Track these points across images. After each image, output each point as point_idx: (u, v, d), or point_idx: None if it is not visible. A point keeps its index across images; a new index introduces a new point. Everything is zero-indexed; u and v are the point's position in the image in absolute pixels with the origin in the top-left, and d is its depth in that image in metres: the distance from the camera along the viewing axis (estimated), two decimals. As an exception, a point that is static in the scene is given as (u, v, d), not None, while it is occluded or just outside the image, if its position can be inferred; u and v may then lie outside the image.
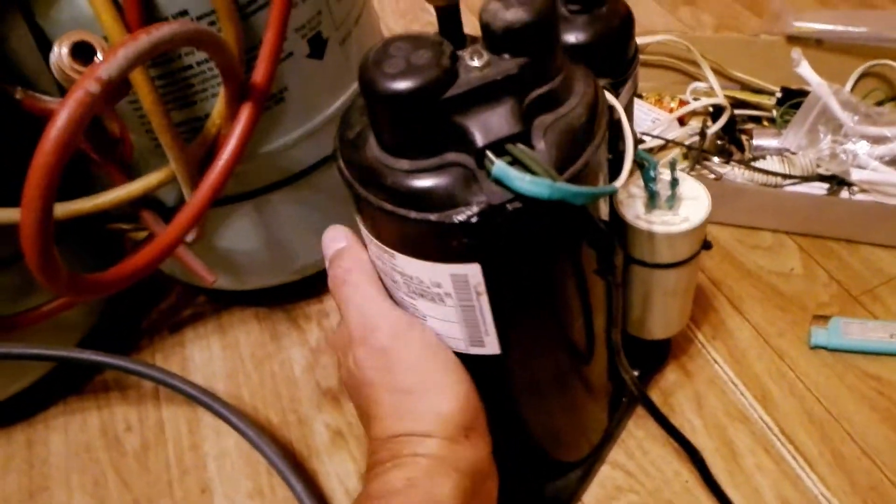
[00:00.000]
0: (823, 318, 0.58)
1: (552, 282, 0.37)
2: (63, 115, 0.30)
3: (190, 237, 0.56)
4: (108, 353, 0.63)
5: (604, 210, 0.40)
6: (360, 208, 0.36)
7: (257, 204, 0.60)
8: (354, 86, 0.59)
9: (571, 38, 0.40)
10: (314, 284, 0.73)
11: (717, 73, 0.76)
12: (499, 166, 0.31)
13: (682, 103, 0.76)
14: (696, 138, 0.70)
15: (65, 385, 0.71)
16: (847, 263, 0.63)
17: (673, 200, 0.46)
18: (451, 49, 0.31)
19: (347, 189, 0.36)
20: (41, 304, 0.60)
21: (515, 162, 0.31)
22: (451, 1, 0.31)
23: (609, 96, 0.38)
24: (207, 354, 0.72)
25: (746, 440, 0.54)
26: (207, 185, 0.47)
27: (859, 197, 0.64)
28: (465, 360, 0.40)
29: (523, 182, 0.31)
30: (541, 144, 0.32)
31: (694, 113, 0.75)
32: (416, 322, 0.39)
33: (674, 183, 0.45)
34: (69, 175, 0.36)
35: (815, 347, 0.58)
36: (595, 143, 0.34)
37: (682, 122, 0.75)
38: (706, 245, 0.48)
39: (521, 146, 0.32)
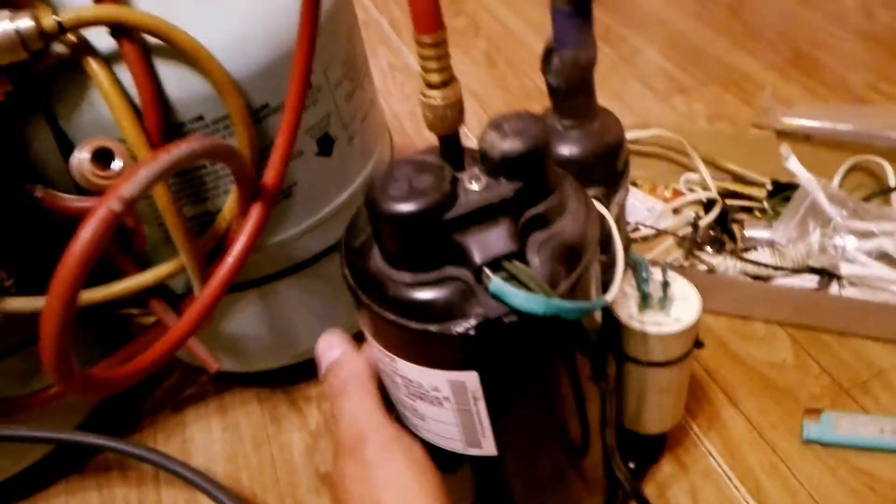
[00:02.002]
0: (815, 412, 0.59)
1: (548, 388, 0.39)
2: (87, 231, 0.32)
3: (196, 326, 0.58)
4: (108, 437, 0.64)
5: (597, 316, 0.41)
6: (362, 314, 0.38)
7: (263, 292, 0.62)
8: (360, 179, 0.62)
9: (565, 151, 0.42)
10: (315, 367, 0.74)
11: (709, 163, 0.78)
12: (496, 283, 0.33)
13: (676, 192, 0.79)
14: (690, 228, 0.72)
15: (66, 465, 0.71)
16: (838, 355, 0.64)
17: (665, 301, 0.47)
18: (452, 173, 0.34)
19: (351, 295, 0.38)
20: (47, 387, 0.62)
21: (512, 278, 0.33)
22: (452, 131, 0.33)
23: (601, 207, 0.40)
24: (208, 436, 0.73)
25: (742, 535, 0.55)
26: (218, 279, 0.49)
27: (849, 290, 0.65)
28: (463, 460, 0.41)
29: (518, 298, 0.32)
30: (535, 261, 0.34)
31: (687, 203, 0.78)
32: (405, 439, 0.39)
33: (665, 285, 0.47)
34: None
35: (808, 441, 0.58)
36: (587, 258, 0.35)
37: (676, 210, 0.77)
38: (698, 344, 0.49)
39: (517, 263, 0.33)
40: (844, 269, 0.65)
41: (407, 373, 0.38)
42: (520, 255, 0.34)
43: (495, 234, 0.33)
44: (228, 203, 0.52)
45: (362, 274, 0.37)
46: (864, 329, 0.64)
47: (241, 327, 0.65)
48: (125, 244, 0.55)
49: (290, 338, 0.67)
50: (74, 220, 0.45)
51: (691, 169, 0.79)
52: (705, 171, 0.76)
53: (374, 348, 0.39)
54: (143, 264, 0.56)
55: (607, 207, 0.41)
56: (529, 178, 0.33)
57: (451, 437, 0.41)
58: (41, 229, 0.52)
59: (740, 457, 0.59)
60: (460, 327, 0.34)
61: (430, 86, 0.32)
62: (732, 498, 0.57)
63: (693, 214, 0.75)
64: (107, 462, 0.72)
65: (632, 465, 0.58)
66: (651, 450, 0.59)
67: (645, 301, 0.47)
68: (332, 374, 0.43)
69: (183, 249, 0.50)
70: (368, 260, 0.36)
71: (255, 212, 0.50)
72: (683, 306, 0.47)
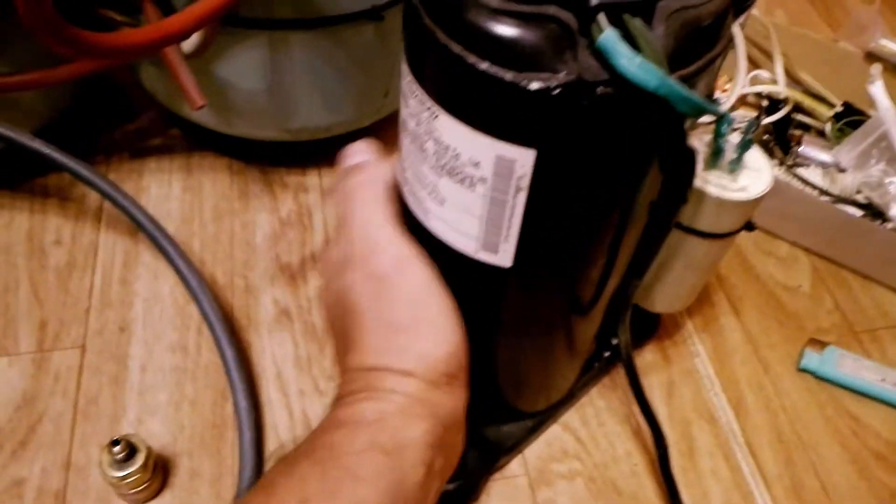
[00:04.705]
0: (820, 344, 0.55)
1: (604, 200, 0.32)
2: None
3: (190, 46, 0.50)
4: (60, 150, 0.56)
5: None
6: (414, 44, 0.31)
7: (273, 39, 0.54)
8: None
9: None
10: (301, 153, 0.67)
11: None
12: (608, 35, 0.25)
13: (735, 87, 0.71)
14: (745, 124, 0.65)
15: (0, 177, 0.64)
16: (856, 297, 0.60)
17: (736, 165, 0.41)
18: None
19: (406, 17, 0.30)
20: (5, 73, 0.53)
21: (627, 37, 0.26)
22: None
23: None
24: (166, 191, 0.65)
25: (708, 441, 0.51)
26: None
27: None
28: (466, 267, 0.35)
29: (631, 62, 0.25)
30: (659, 29, 0.27)
31: (744, 101, 0.71)
32: (421, 255, 0.35)
33: (744, 146, 0.40)
34: None
35: (804, 370, 0.54)
36: (716, 51, 0.28)
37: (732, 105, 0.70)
38: (749, 226, 0.43)
39: (638, 21, 0.26)
40: (895, 209, 0.59)
41: (446, 134, 0.31)
42: (646, 12, 0.26)
43: (626, -26, 0.26)
44: None
45: (433, -7, 0.29)
46: (890, 279, 0.59)
47: (237, 75, 0.56)
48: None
49: (286, 105, 0.59)
50: None
51: (761, 67, 0.71)
52: (781, 72, 0.68)
53: (412, 98, 0.32)
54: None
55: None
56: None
57: (465, 234, 0.34)
58: None
59: (729, 366, 0.55)
60: (541, 83, 0.26)
61: None
62: (709, 403, 0.53)
63: (748, 115, 0.68)
64: (46, 188, 0.65)
65: (615, 342, 0.53)
66: (642, 331, 0.54)
67: (714, 159, 0.41)
68: (349, 175, 0.38)
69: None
70: (446, -23, 0.28)
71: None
72: (753, 177, 0.41)
